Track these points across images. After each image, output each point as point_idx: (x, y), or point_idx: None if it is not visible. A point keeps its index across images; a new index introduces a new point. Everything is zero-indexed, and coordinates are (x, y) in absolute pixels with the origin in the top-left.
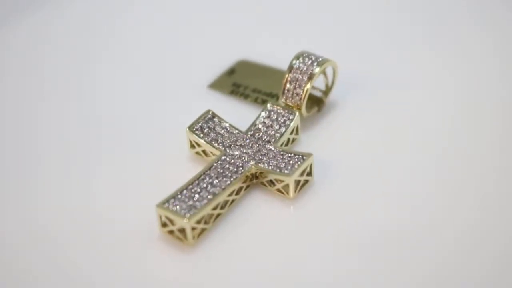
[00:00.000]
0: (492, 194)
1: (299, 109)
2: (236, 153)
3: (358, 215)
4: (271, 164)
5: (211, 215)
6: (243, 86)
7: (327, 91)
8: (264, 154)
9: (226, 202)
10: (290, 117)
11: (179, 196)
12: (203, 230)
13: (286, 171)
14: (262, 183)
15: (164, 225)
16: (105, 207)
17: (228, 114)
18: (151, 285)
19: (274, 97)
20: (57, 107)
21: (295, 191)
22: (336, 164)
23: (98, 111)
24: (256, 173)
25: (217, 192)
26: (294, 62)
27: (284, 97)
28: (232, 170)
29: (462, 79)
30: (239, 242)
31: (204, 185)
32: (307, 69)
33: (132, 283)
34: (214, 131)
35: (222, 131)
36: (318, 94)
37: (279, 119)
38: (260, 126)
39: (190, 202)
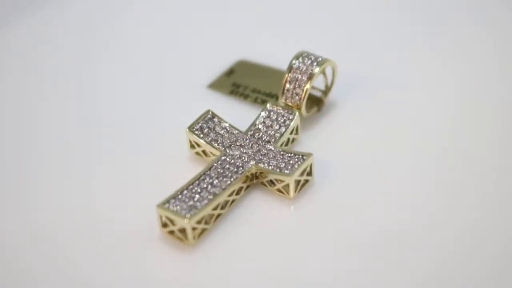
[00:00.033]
0: (492, 194)
1: (299, 109)
2: (236, 153)
3: (358, 215)
4: (271, 164)
5: (211, 215)
6: (243, 86)
7: (326, 91)
8: (264, 154)
9: (226, 202)
10: (290, 117)
11: (180, 196)
12: (203, 230)
13: (286, 171)
14: (262, 183)
15: (164, 225)
16: (105, 207)
17: (228, 114)
18: (151, 285)
19: (274, 97)
20: (57, 107)
21: (295, 191)
22: (336, 164)
23: (98, 111)
24: (256, 173)
25: (217, 192)
26: (293, 62)
27: (284, 97)
28: (232, 170)
29: (462, 79)
30: (240, 242)
31: (205, 185)
32: (306, 69)
33: (132, 283)
34: (214, 131)
35: (222, 131)
36: (317, 94)
37: (279, 119)
38: (260, 126)
39: (191, 203)
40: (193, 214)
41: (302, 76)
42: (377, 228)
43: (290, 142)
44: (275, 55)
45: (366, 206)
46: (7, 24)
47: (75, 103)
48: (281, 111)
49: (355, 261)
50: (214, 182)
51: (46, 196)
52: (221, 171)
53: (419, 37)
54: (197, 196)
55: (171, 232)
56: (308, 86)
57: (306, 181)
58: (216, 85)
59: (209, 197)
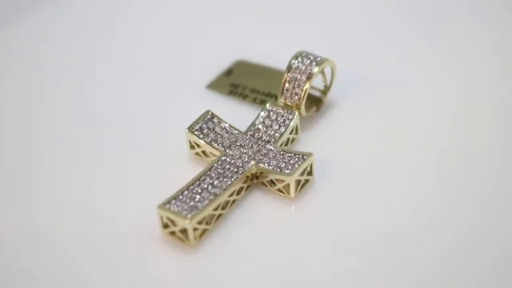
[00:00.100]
0: (492, 194)
1: (298, 108)
2: (236, 153)
3: (358, 215)
4: (271, 164)
5: (212, 216)
6: (242, 86)
7: (325, 90)
8: (264, 154)
9: (227, 203)
10: (290, 117)
11: (180, 197)
12: (204, 230)
13: (286, 171)
14: (263, 183)
15: (165, 226)
16: (105, 207)
17: (227, 114)
18: (152, 286)
19: (273, 97)
20: (57, 107)
21: (295, 191)
22: (336, 164)
23: (98, 111)
24: (256, 173)
25: (218, 192)
26: (292, 61)
27: (283, 97)
28: (232, 171)
29: (462, 79)
30: (240, 242)
31: (205, 186)
32: (305, 68)
33: (132, 283)
34: (214, 132)
35: (222, 132)
36: (316, 94)
37: (279, 119)
38: (259, 126)
39: (192, 203)
40: (194, 214)
41: (301, 76)
42: (377, 228)
43: (290, 142)
44: (275, 55)
45: (366, 206)
46: (7, 24)
47: (75, 103)
48: (281, 111)
49: (355, 261)
50: (215, 182)
51: (46, 196)
52: (222, 171)
53: (419, 37)
54: (197, 196)
55: (172, 233)
56: (307, 85)
57: (307, 180)
58: (215, 85)
59: (209, 197)
